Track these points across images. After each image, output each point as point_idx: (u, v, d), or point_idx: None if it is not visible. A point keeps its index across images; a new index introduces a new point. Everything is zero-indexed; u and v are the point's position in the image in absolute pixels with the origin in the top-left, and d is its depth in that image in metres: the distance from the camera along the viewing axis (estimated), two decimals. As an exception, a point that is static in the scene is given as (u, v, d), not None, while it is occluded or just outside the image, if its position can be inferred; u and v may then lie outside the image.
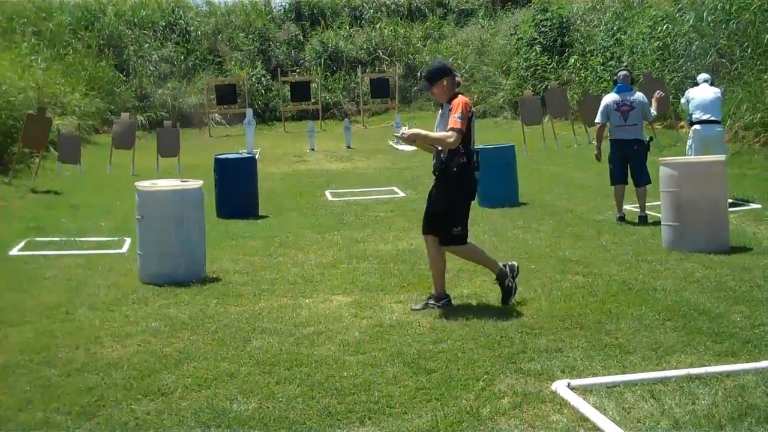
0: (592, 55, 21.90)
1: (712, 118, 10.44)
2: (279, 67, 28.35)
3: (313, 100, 27.03)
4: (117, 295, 7.11)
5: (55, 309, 6.64)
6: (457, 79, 6.34)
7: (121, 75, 26.22)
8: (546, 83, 22.16)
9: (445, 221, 6.22)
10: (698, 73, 12.02)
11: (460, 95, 6.23)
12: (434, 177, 6.35)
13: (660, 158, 8.87)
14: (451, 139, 6.03)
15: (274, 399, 4.52)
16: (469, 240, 6.39)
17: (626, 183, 10.06)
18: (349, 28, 30.69)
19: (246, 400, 4.52)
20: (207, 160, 13.80)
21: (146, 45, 27.68)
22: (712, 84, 10.96)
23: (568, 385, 4.49)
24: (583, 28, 23.63)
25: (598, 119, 10.25)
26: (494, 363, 4.98)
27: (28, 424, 4.29)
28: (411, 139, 6.22)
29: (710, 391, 4.38)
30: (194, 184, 7.85)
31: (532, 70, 23.90)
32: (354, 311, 6.32)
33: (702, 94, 10.63)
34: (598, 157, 10.50)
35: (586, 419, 4.08)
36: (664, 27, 18.70)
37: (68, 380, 4.94)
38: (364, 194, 13.40)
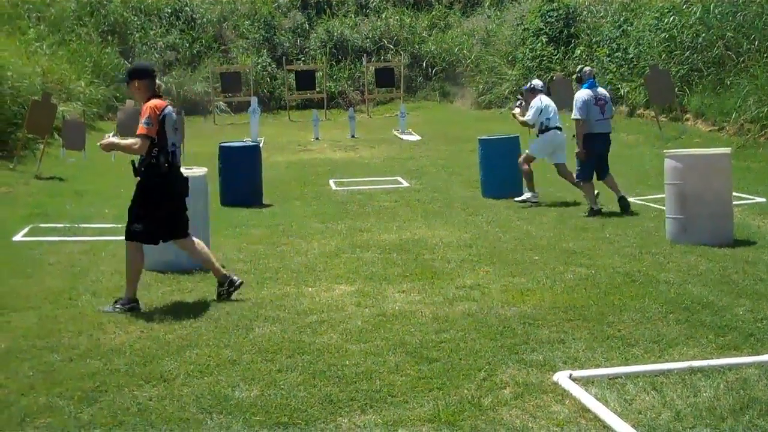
0: (598, 47, 21.81)
1: (560, 125, 10.98)
2: (284, 56, 28.25)
3: (318, 89, 26.96)
4: (120, 281, 7.08)
5: (58, 295, 6.66)
6: (157, 83, 6.40)
7: (126, 62, 26.15)
8: (552, 74, 22.08)
9: (129, 216, 6.31)
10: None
11: (153, 99, 6.27)
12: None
13: (665, 150, 8.84)
14: (137, 146, 6.17)
15: (276, 386, 4.53)
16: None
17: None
18: (355, 17, 30.55)
19: (248, 388, 4.52)
20: (211, 148, 13.80)
21: (151, 32, 27.58)
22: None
23: (570, 376, 4.49)
24: (589, 19, 23.53)
25: (579, 115, 9.88)
26: (496, 353, 4.99)
27: (30, 409, 4.30)
28: (108, 149, 6.44)
29: (712, 383, 4.38)
30: (198, 171, 7.85)
31: (537, 60, 23.81)
32: (357, 300, 6.33)
33: (550, 102, 10.95)
34: (583, 154, 9.93)
35: (587, 410, 4.09)
36: (671, 19, 18.62)
37: (71, 365, 4.96)
38: (368, 184, 13.39)
